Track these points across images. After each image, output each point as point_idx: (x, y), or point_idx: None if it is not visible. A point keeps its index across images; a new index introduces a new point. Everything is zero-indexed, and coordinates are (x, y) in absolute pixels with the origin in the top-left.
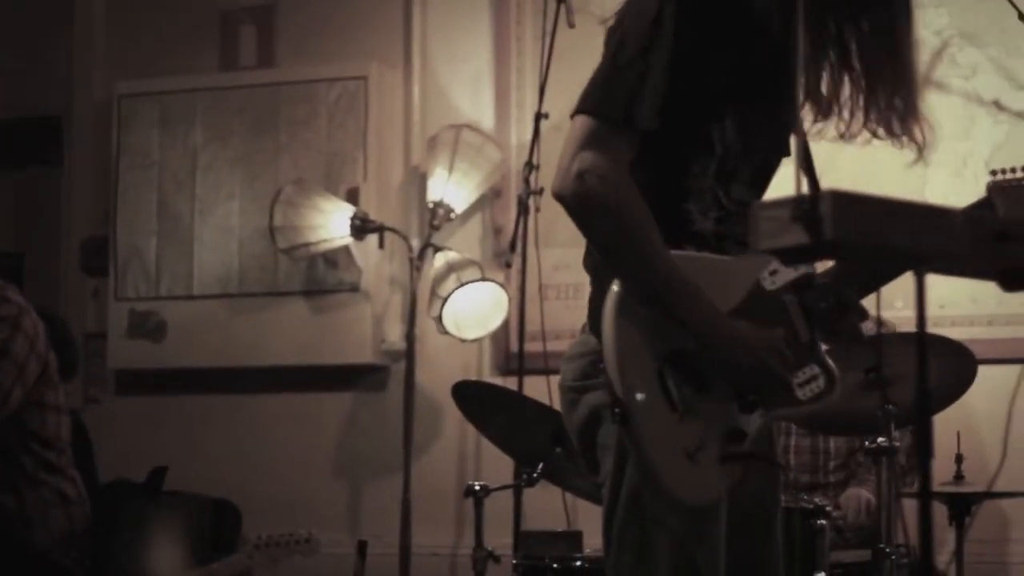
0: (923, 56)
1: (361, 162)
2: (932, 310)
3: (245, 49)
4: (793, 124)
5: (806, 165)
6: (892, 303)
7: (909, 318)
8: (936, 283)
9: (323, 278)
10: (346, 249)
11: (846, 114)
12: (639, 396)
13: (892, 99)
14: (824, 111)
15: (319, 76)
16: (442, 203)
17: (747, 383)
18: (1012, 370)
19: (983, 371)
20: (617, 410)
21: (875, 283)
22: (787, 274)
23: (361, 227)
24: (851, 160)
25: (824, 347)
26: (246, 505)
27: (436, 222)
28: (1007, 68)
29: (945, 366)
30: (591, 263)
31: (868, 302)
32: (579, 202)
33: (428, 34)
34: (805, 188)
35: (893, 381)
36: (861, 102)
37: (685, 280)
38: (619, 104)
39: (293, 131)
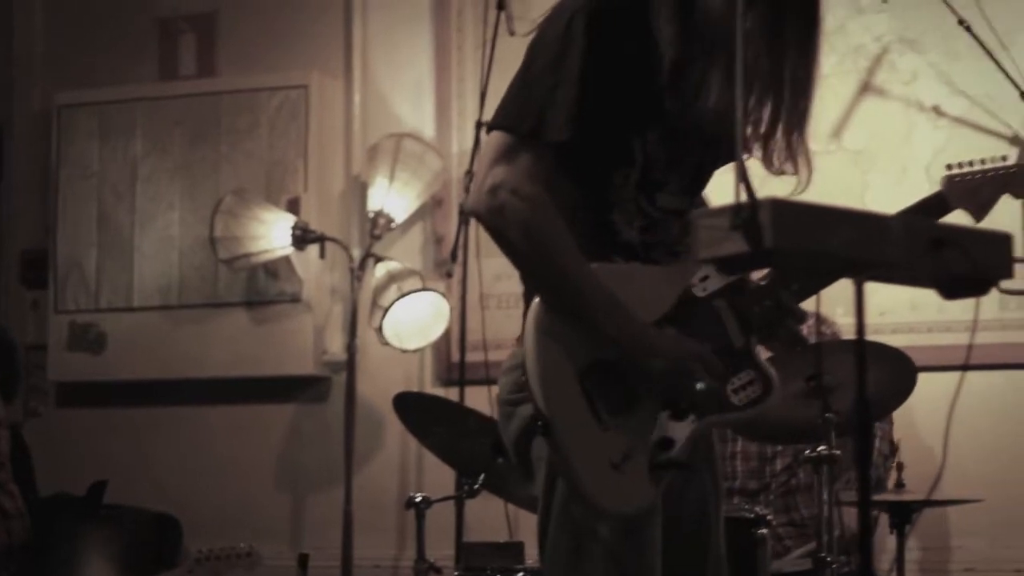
0: (863, 62)
1: (302, 172)
2: (872, 317)
3: (185, 58)
4: (733, 132)
5: (742, 175)
6: (833, 310)
7: (850, 325)
8: (876, 290)
9: (264, 289)
10: (287, 259)
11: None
12: (561, 408)
13: (789, 135)
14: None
15: (259, 85)
16: (383, 212)
17: (675, 391)
18: (952, 377)
19: (923, 378)
20: (540, 422)
21: (814, 286)
22: (719, 280)
23: (302, 237)
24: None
25: (765, 353)
26: (187, 518)
27: (377, 232)
28: (947, 73)
29: (885, 373)
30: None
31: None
32: (492, 217)
33: (369, 43)
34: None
35: (834, 389)
36: (762, 132)
37: (603, 291)
38: (529, 117)
39: (234, 141)
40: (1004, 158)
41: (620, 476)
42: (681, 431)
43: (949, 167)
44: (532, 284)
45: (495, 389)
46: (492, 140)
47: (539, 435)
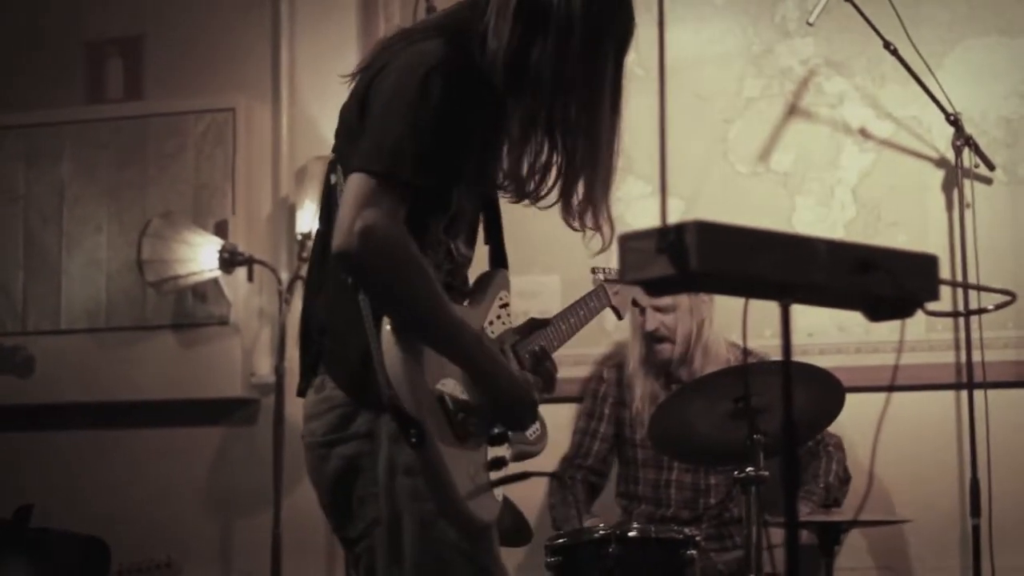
0: (790, 85)
1: (229, 194)
2: (800, 338)
3: (112, 82)
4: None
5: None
6: (761, 332)
7: (777, 347)
8: (804, 312)
9: (192, 311)
10: (215, 282)
11: (544, 195)
12: (428, 420)
13: (590, 190)
14: (520, 191)
15: (187, 108)
16: (311, 235)
17: (511, 418)
18: (879, 398)
19: (851, 399)
20: (414, 431)
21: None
22: (499, 326)
23: (230, 260)
24: (718, 188)
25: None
26: (115, 541)
27: (305, 254)
28: (873, 96)
29: (813, 394)
30: (333, 314)
31: (735, 331)
32: (365, 260)
33: (296, 66)
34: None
35: (762, 410)
36: (559, 187)
37: (468, 327)
38: (393, 161)
39: (161, 164)
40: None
41: (479, 488)
42: (502, 452)
43: (593, 271)
44: (399, 321)
45: None
46: (357, 182)
47: (411, 445)
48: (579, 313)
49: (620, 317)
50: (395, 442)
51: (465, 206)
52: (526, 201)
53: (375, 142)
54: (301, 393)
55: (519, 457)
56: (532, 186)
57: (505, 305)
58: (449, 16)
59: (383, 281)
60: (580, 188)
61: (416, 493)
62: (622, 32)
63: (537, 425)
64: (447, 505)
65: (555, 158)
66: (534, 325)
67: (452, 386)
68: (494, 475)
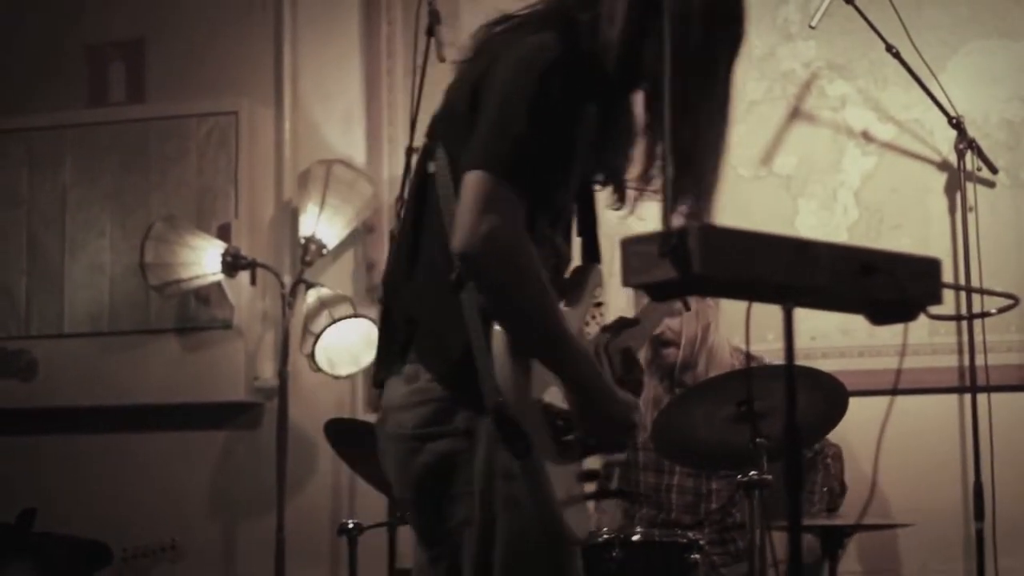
0: (792, 88)
1: (232, 198)
2: (803, 342)
3: (114, 85)
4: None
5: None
6: (764, 336)
7: (780, 350)
8: (807, 315)
9: (195, 315)
10: (218, 286)
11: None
12: (533, 432)
13: (694, 193)
14: (624, 188)
15: (189, 112)
16: (314, 238)
17: (608, 439)
18: (882, 401)
19: (855, 403)
20: (523, 443)
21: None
22: (599, 324)
23: (233, 263)
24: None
25: None
26: (119, 545)
27: (308, 258)
28: (875, 99)
29: (817, 398)
30: (426, 305)
31: (738, 334)
32: (489, 264)
33: (299, 69)
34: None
35: (766, 414)
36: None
37: (576, 342)
38: (520, 162)
39: (164, 167)
40: None
41: (575, 503)
42: (592, 465)
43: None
44: (509, 325)
45: None
46: (479, 181)
47: (517, 456)
48: (660, 308)
49: (687, 308)
50: (495, 445)
51: (568, 202)
52: (624, 209)
53: (496, 141)
54: (379, 383)
55: (604, 467)
56: (646, 178)
57: (599, 304)
58: (555, 5)
59: (503, 287)
60: (683, 187)
61: (512, 500)
62: (735, 36)
63: None
64: (546, 517)
65: (660, 151)
66: (623, 324)
67: (556, 395)
68: (587, 489)
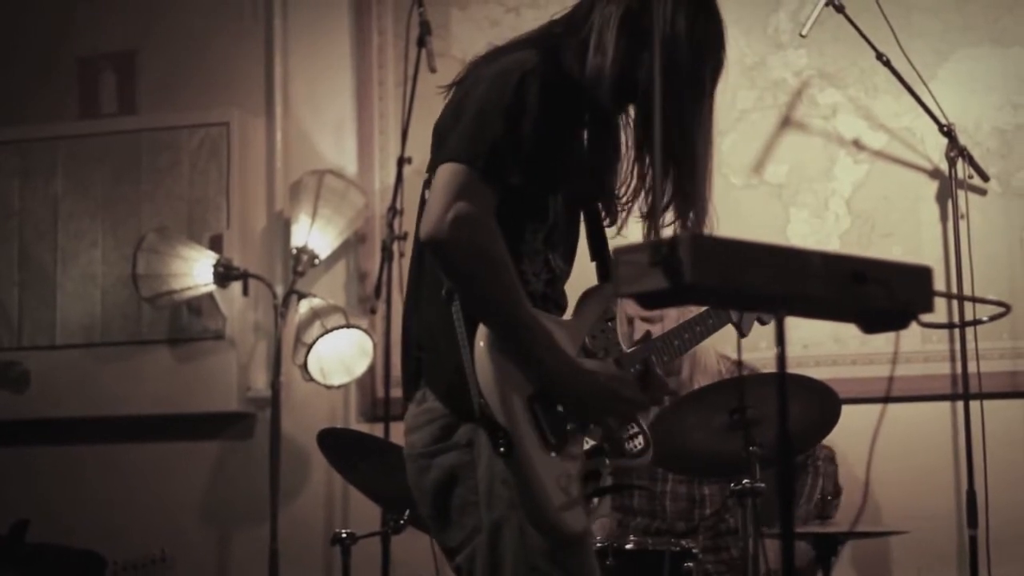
0: (783, 97)
1: (224, 209)
2: (796, 350)
3: (106, 96)
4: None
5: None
6: (756, 344)
7: (773, 359)
8: (800, 323)
9: (187, 326)
10: (210, 296)
11: (647, 213)
12: (519, 428)
13: (684, 213)
14: (616, 210)
15: (181, 123)
16: (306, 249)
17: (585, 412)
18: (875, 409)
19: (847, 410)
20: (502, 440)
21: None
22: (610, 338)
23: (225, 274)
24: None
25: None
26: (112, 556)
27: (300, 268)
28: (866, 108)
29: (809, 406)
30: (430, 330)
31: (731, 343)
32: (454, 249)
33: (290, 80)
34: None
35: (758, 422)
36: (650, 205)
37: (542, 325)
38: (489, 156)
39: (155, 178)
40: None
41: (569, 498)
42: (598, 466)
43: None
44: (479, 313)
45: None
46: (450, 171)
47: (499, 454)
48: (695, 330)
49: (743, 335)
50: (495, 451)
51: (562, 218)
52: (613, 227)
53: (468, 135)
54: (405, 410)
55: (620, 471)
56: (637, 200)
57: (611, 319)
58: (539, 33)
59: (469, 273)
60: (672, 209)
61: (514, 502)
62: (717, 61)
63: (640, 440)
64: (535, 512)
65: (649, 172)
66: (648, 341)
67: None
68: (588, 487)
